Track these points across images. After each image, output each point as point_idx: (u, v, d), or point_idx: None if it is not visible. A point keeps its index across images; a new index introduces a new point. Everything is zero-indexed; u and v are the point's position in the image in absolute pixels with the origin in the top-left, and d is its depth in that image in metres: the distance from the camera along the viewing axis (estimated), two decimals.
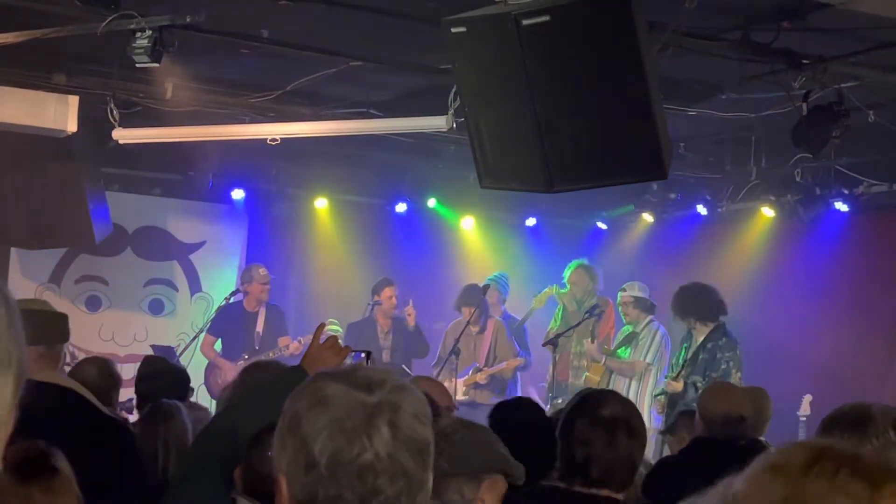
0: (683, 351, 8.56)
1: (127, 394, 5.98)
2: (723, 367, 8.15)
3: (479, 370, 9.62)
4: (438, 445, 2.63)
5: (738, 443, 4.79)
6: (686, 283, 8.77)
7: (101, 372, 5.03)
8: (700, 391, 8.06)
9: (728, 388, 5.09)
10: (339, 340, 3.34)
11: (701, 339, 8.38)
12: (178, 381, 5.59)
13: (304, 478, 1.64)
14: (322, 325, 3.36)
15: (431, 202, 11.26)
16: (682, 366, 8.35)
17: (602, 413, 3.35)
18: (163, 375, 5.55)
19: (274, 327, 9.90)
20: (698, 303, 8.43)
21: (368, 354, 3.40)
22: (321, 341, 3.29)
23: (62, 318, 4.01)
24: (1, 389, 1.11)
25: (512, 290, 10.53)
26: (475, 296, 9.76)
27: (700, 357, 8.26)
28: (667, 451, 8.00)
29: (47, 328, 3.80)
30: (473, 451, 2.68)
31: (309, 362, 3.23)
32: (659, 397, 8.52)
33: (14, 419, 1.14)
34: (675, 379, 8.30)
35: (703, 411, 4.93)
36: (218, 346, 9.97)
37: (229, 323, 9.88)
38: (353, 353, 3.32)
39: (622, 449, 3.31)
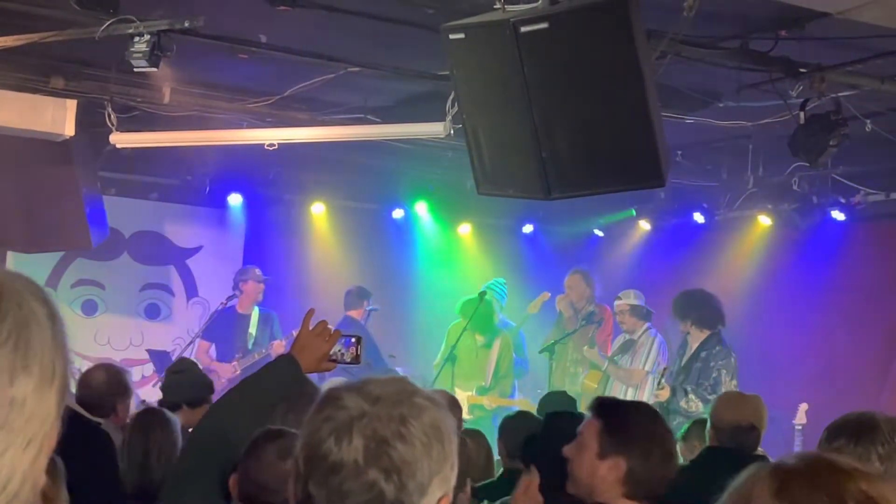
0: (679, 360, 8.58)
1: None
2: (714, 375, 8.18)
3: (486, 389, 9.56)
4: None
5: (749, 452, 4.77)
6: (692, 288, 8.80)
7: (109, 379, 5.03)
8: (688, 397, 8.10)
9: (740, 397, 5.04)
10: (329, 326, 3.27)
11: (696, 346, 8.39)
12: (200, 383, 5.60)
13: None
14: (311, 311, 3.26)
15: (426, 207, 11.24)
16: (672, 374, 8.41)
17: None
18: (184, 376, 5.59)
19: (266, 331, 9.90)
20: (699, 307, 8.47)
21: (359, 340, 3.35)
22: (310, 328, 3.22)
23: None
24: (45, 402, 1.14)
25: (509, 296, 10.53)
26: (469, 310, 9.72)
27: (694, 366, 8.28)
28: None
29: None
30: None
31: (299, 349, 3.16)
32: None
33: (58, 433, 1.17)
34: (661, 387, 8.31)
35: (715, 420, 4.90)
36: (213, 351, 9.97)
37: (222, 327, 9.87)
38: (342, 339, 3.27)
39: None
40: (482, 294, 9.79)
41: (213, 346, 9.94)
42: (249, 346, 9.77)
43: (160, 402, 5.58)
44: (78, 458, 3.51)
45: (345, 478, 1.59)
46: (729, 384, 8.13)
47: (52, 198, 8.74)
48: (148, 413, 4.85)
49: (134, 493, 4.32)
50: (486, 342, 9.74)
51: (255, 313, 9.96)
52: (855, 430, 2.62)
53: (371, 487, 1.59)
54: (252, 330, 9.89)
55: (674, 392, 8.22)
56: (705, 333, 8.38)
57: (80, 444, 3.71)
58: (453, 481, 1.67)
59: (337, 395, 1.66)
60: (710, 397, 8.06)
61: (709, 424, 4.97)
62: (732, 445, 4.75)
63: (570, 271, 10.18)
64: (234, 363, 9.49)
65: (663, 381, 8.34)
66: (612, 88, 5.05)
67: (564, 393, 7.01)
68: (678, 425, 7.83)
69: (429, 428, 1.63)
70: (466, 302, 9.82)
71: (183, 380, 5.56)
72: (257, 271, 10.04)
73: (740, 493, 1.60)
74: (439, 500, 1.64)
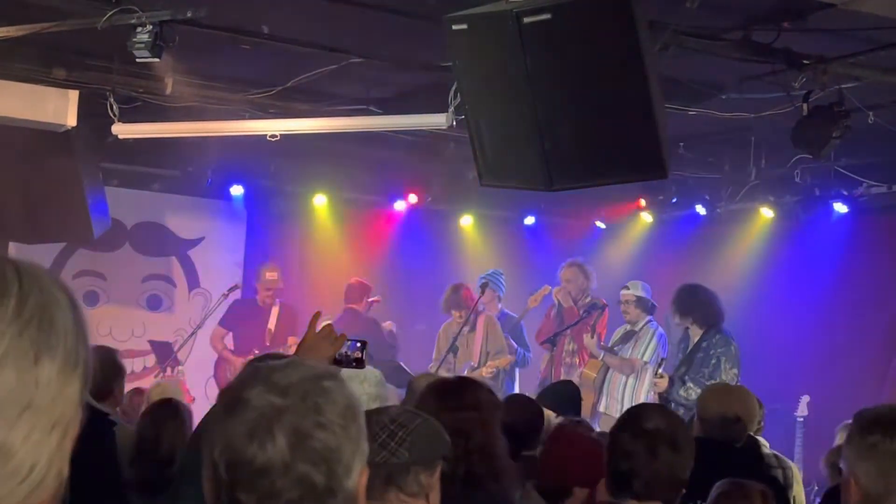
0: (681, 353, 8.56)
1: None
2: (713, 361, 8.13)
3: (475, 368, 9.59)
4: (396, 434, 2.60)
5: (735, 444, 4.80)
6: (693, 282, 8.73)
7: (104, 362, 5.04)
8: (686, 386, 8.10)
9: (724, 388, 5.10)
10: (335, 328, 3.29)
11: (696, 339, 8.37)
12: None
13: (209, 480, 1.66)
14: (318, 314, 3.29)
15: (427, 199, 11.24)
16: (668, 364, 8.42)
17: (645, 426, 3.34)
18: None
19: (286, 325, 9.87)
20: (702, 307, 8.37)
21: (364, 344, 3.37)
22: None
23: None
24: (69, 386, 1.14)
25: (510, 288, 10.52)
26: (461, 298, 9.78)
27: (696, 357, 8.26)
28: None
29: None
30: (429, 439, 2.68)
31: (304, 351, 3.16)
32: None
33: (81, 420, 1.17)
34: (660, 377, 8.32)
35: (701, 412, 4.96)
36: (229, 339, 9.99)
37: (242, 317, 9.89)
38: (348, 342, 3.29)
39: (663, 463, 3.27)
40: (483, 286, 9.80)
41: (230, 335, 9.94)
42: (267, 342, 9.75)
43: None
44: (84, 449, 3.51)
45: (275, 478, 1.59)
46: (729, 372, 8.09)
47: (53, 189, 8.74)
48: (161, 405, 4.87)
49: (140, 483, 4.33)
50: (470, 328, 9.79)
51: (275, 308, 9.97)
52: (890, 422, 2.62)
53: (302, 481, 1.59)
54: (271, 325, 9.89)
55: (672, 382, 8.22)
56: (705, 328, 8.35)
57: (87, 435, 3.71)
58: (368, 451, 1.68)
59: (241, 394, 1.64)
60: (708, 383, 8.05)
61: (695, 415, 5.00)
62: (719, 437, 4.78)
63: (565, 263, 10.15)
64: (252, 357, 9.50)
65: (661, 370, 8.36)
66: (615, 79, 5.05)
67: (570, 382, 7.01)
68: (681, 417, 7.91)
69: (344, 409, 1.64)
70: (447, 297, 9.90)
71: None
72: (268, 275, 9.98)
73: None
74: (360, 472, 1.66)
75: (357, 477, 1.65)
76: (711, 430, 4.85)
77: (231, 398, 1.66)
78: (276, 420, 1.60)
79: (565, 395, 6.07)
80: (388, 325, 10.36)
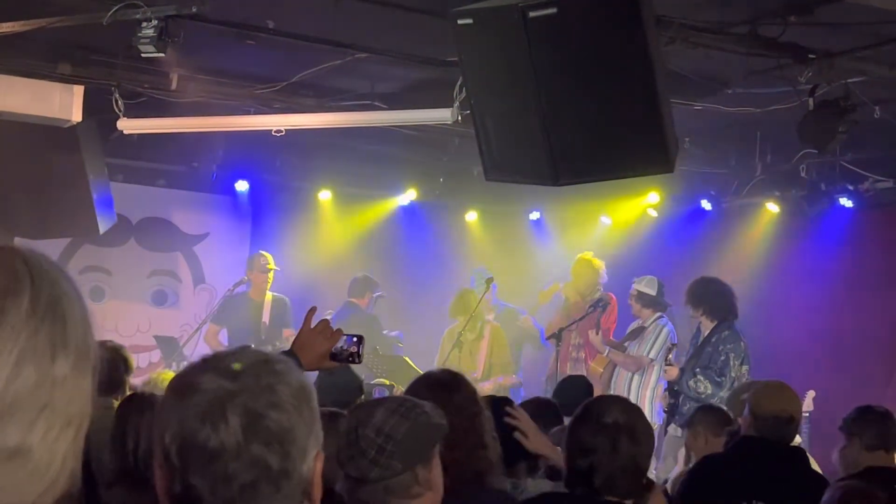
0: (692, 346, 8.53)
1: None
2: (721, 358, 8.11)
3: (477, 381, 9.57)
4: (385, 449, 2.57)
5: (785, 444, 4.78)
6: (710, 276, 8.73)
7: (114, 356, 5.16)
8: (696, 378, 8.07)
9: (781, 387, 5.02)
10: (331, 324, 3.30)
11: (706, 333, 8.36)
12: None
13: (160, 468, 1.61)
14: (313, 309, 3.29)
15: (432, 194, 11.23)
16: (679, 355, 8.40)
17: (604, 420, 3.31)
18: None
19: (279, 318, 9.86)
20: (713, 299, 8.37)
21: (360, 339, 3.36)
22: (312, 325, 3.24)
23: None
24: (83, 381, 1.13)
25: (516, 283, 10.52)
26: (469, 303, 9.79)
27: (705, 351, 8.23)
28: (675, 445, 7.98)
29: None
30: (421, 438, 2.64)
31: (300, 347, 3.18)
32: (665, 394, 8.50)
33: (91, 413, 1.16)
34: (668, 363, 8.31)
35: (755, 408, 4.87)
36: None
37: (234, 313, 9.85)
38: (344, 337, 3.29)
39: (625, 456, 3.26)
40: (489, 281, 9.80)
41: (224, 331, 9.92)
42: (262, 336, 9.73)
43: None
44: None
45: (228, 460, 1.56)
46: (739, 368, 8.08)
47: (59, 184, 8.76)
48: (131, 399, 4.87)
49: (116, 478, 4.32)
50: (477, 335, 9.80)
51: (268, 299, 9.93)
52: None
53: (256, 463, 1.56)
54: (265, 318, 9.86)
55: (682, 373, 8.20)
56: (715, 323, 8.33)
57: None
58: (322, 436, 1.65)
59: (191, 380, 1.62)
60: (718, 379, 8.02)
61: (746, 411, 4.94)
62: (771, 436, 4.75)
63: (576, 258, 10.18)
64: None
65: (671, 358, 8.34)
66: (621, 74, 5.04)
67: (580, 377, 7.03)
68: (689, 410, 7.59)
69: (296, 390, 1.61)
70: (456, 303, 9.89)
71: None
72: (262, 260, 9.96)
73: None
74: (315, 457, 1.63)
75: (312, 462, 1.62)
76: (764, 428, 4.80)
77: (181, 384, 1.63)
78: (229, 402, 1.57)
79: (578, 391, 6.05)
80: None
